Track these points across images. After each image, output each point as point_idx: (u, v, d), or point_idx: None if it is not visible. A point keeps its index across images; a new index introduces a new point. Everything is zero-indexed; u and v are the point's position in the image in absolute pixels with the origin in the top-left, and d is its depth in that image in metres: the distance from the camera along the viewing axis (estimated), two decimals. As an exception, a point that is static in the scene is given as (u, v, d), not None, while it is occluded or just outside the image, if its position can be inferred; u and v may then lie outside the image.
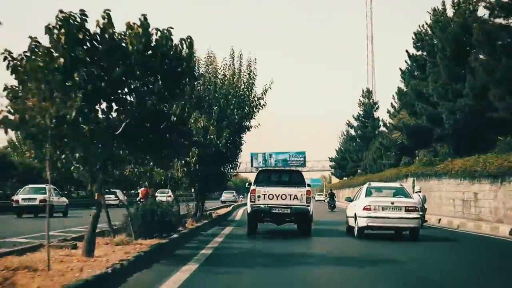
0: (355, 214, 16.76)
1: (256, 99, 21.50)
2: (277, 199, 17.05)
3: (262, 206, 17.08)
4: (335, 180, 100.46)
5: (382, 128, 58.27)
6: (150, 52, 8.95)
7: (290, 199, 17.03)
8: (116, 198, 33.38)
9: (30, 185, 29.20)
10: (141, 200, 25.16)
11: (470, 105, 27.67)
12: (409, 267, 10.21)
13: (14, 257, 8.59)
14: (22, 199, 27.65)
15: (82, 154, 9.09)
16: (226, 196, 67.23)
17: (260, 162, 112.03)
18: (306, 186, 17.59)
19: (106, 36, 8.61)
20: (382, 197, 17.07)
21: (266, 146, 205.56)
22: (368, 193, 17.30)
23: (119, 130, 9.08)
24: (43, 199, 26.70)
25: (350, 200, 19.18)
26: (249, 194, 17.58)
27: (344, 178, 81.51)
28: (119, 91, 9.13)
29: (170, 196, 43.15)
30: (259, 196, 17.13)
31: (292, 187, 17.43)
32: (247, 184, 18.65)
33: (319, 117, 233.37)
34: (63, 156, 9.13)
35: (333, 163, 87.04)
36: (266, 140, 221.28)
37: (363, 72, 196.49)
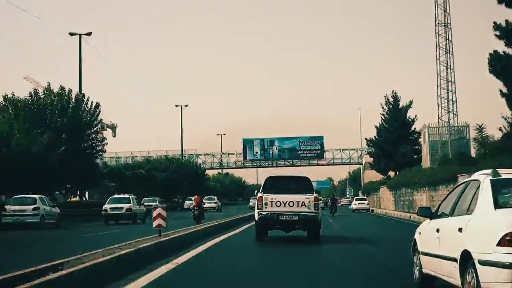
0: (465, 254, 6.36)
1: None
2: (285, 206, 17.02)
3: (269, 213, 17.12)
4: (371, 175, 72.62)
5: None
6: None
7: (298, 206, 16.99)
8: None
9: (116, 195, 34.32)
10: (195, 206, 30.06)
11: None
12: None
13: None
14: (110, 208, 31.36)
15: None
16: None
17: (257, 152, 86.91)
18: (314, 192, 17.57)
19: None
20: None
21: (270, 132, 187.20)
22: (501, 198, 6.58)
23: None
24: (128, 208, 31.17)
25: (430, 214, 8.33)
26: (256, 201, 17.80)
27: (391, 174, 58.26)
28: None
29: (216, 202, 60.95)
30: (266, 204, 17.14)
31: (299, 194, 17.26)
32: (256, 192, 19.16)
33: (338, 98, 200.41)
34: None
35: (372, 149, 60.90)
36: (269, 124, 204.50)
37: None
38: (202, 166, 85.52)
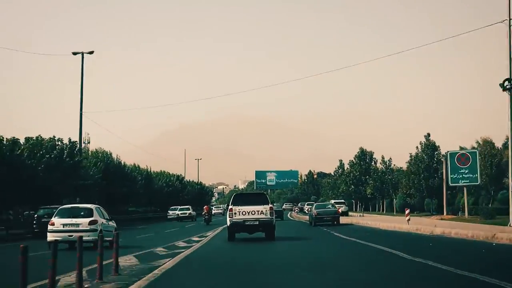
0: None
1: None
2: (248, 214, 23.02)
3: (237, 220, 23.04)
4: None
5: None
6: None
7: (258, 214, 23.01)
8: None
9: (180, 206, 65.06)
10: (206, 213, 45.18)
11: None
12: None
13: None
14: (181, 213, 61.86)
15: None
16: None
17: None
18: (270, 204, 23.78)
19: None
20: None
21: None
22: None
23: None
24: (191, 212, 61.67)
25: None
26: (227, 211, 23.92)
27: None
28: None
29: (222, 208, 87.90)
30: (235, 213, 23.08)
31: (259, 205, 23.21)
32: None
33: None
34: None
35: None
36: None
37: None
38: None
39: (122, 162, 57.39)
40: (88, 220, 20.73)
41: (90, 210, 21.45)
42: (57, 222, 20.76)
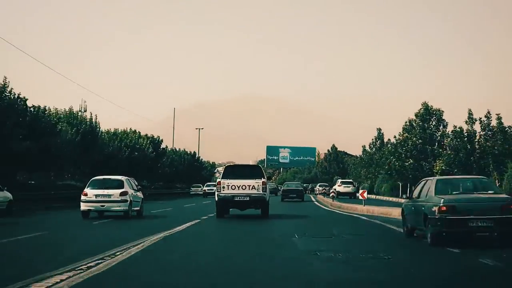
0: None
1: None
2: (238, 189, 20.68)
3: (226, 195, 20.77)
4: None
5: None
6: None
7: (249, 189, 20.66)
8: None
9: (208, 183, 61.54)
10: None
11: None
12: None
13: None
14: (207, 189, 57.84)
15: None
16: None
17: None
18: (263, 178, 21.12)
19: None
20: None
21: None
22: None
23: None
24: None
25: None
26: (216, 185, 21.58)
27: None
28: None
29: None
30: (223, 187, 20.77)
31: (251, 179, 20.80)
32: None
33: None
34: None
35: None
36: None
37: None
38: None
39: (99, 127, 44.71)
40: (119, 191, 21.66)
41: (121, 181, 22.39)
42: (90, 192, 21.72)
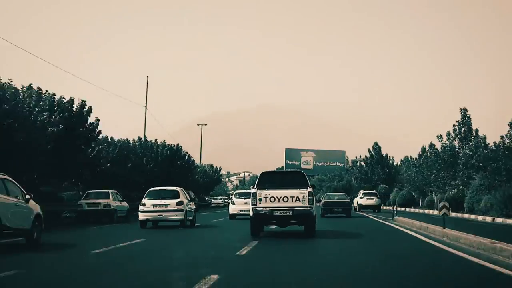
0: None
1: None
2: (279, 201, 16.97)
3: (264, 209, 17.04)
4: None
5: None
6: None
7: (292, 201, 16.95)
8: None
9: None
10: None
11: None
12: None
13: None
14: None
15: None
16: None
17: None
18: (308, 187, 17.29)
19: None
20: None
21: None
22: None
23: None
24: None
25: None
26: (250, 197, 17.72)
27: None
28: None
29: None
30: (260, 199, 17.07)
31: (294, 188, 17.16)
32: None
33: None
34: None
35: None
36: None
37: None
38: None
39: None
40: (175, 201, 22.65)
41: (177, 191, 23.43)
42: (148, 203, 22.71)
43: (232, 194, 49.62)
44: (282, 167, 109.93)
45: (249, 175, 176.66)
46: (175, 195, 23.09)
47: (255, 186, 17.47)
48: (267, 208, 16.97)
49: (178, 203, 22.60)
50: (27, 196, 14.42)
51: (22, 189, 14.63)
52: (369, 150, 79.53)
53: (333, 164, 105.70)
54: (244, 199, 30.41)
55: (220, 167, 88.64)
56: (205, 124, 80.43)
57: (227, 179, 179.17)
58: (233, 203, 31.62)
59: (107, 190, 29.56)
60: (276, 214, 17.05)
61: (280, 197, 16.92)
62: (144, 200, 22.94)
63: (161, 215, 22.54)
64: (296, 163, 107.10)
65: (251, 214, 17.45)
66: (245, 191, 35.44)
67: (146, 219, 22.64)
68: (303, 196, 16.91)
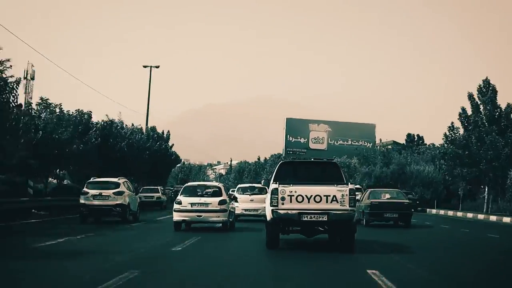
0: None
1: None
2: (309, 201, 12.67)
3: (287, 212, 12.68)
4: None
5: None
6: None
7: (327, 202, 12.66)
8: None
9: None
10: None
11: None
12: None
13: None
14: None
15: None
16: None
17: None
18: (349, 183, 13.11)
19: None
20: None
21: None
22: None
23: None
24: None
25: None
26: (268, 195, 13.17)
27: None
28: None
29: None
30: (283, 199, 12.69)
31: (329, 185, 12.86)
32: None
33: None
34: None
35: None
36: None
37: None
38: None
39: None
40: (218, 199, 18.69)
41: (219, 188, 19.50)
42: (185, 201, 18.74)
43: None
44: (280, 154, 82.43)
45: (236, 163, 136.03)
46: (217, 192, 19.19)
47: (273, 180, 13.34)
48: (293, 211, 12.61)
49: (221, 202, 18.68)
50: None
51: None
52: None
53: (356, 143, 70.72)
54: (250, 195, 24.75)
55: (168, 131, 57.30)
56: (157, 67, 52.08)
57: (209, 169, 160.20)
58: (235, 200, 21.91)
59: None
60: (305, 219, 12.67)
61: (311, 196, 12.64)
62: (180, 197, 18.94)
63: (200, 216, 18.53)
64: (303, 140, 72.45)
65: (268, 218, 13.03)
66: (250, 185, 28.16)
67: (182, 219, 18.68)
68: (343, 196, 12.62)
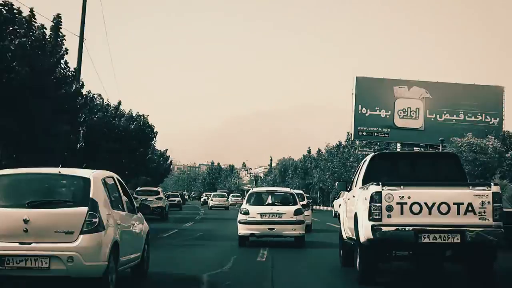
0: None
1: None
2: (430, 212, 8.27)
3: (399, 229, 8.27)
4: None
5: None
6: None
7: (459, 213, 8.27)
8: None
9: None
10: None
11: None
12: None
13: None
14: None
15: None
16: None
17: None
18: (493, 184, 8.65)
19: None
20: None
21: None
22: None
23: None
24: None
25: None
26: (360, 202, 8.99)
27: None
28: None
29: None
30: (390, 208, 8.28)
31: (460, 186, 8.67)
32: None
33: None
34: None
35: None
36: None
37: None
38: None
39: None
40: (293, 208, 15.51)
41: (292, 195, 16.33)
42: (252, 210, 15.53)
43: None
44: (339, 143, 60.93)
45: (278, 161, 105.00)
46: (291, 199, 15.94)
47: (364, 181, 9.59)
48: (408, 228, 8.29)
49: (297, 212, 15.44)
50: None
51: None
52: None
53: (473, 117, 45.07)
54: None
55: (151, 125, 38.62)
56: None
57: (244, 171, 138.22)
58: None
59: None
60: (425, 240, 8.32)
61: (433, 205, 8.31)
62: (246, 206, 15.76)
63: (272, 229, 15.34)
64: (384, 114, 45.09)
65: (363, 239, 8.74)
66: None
67: (250, 233, 15.44)
68: (483, 203, 8.28)
